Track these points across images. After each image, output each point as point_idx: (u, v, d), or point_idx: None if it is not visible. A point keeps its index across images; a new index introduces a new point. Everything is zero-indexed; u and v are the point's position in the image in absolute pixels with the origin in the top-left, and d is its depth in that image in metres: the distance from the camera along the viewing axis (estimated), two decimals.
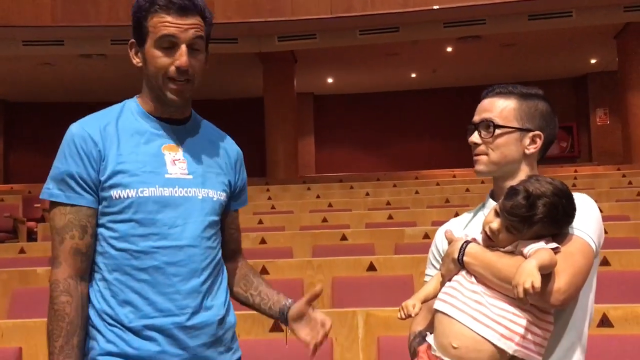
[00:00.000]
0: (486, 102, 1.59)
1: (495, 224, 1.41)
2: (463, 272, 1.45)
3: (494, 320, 1.38)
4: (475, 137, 1.57)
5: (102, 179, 1.48)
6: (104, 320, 1.47)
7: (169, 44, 1.48)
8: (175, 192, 1.51)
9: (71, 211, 1.48)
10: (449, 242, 1.51)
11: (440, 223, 1.73)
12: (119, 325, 1.46)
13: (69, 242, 1.47)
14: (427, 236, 4.85)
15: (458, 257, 1.44)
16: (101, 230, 1.50)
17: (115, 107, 1.58)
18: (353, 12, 9.67)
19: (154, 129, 1.54)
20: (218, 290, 1.57)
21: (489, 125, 1.55)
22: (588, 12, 10.03)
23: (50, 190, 1.49)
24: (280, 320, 1.62)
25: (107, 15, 9.65)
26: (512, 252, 1.40)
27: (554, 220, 1.38)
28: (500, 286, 1.38)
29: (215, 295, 1.55)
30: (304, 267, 4.02)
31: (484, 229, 1.44)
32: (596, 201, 1.55)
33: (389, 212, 6.47)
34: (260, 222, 6.47)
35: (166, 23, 1.47)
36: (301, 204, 7.74)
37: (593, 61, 13.89)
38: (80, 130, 1.50)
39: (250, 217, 6.60)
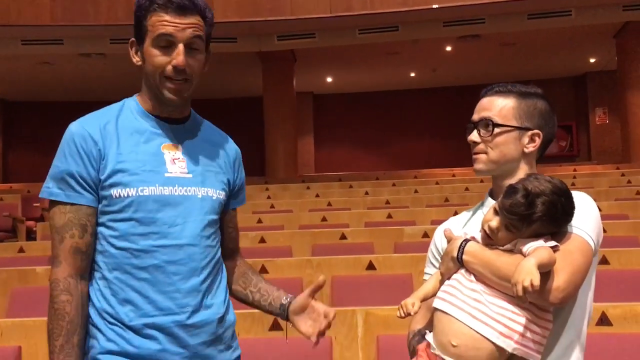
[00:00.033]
0: (485, 101, 1.59)
1: (495, 222, 1.41)
2: (462, 271, 1.45)
3: (493, 318, 1.38)
4: (474, 136, 1.57)
5: (102, 177, 1.48)
6: (104, 319, 1.47)
7: (167, 43, 1.48)
8: (175, 191, 1.51)
9: (71, 210, 1.48)
10: (448, 241, 1.51)
11: (440, 222, 1.73)
12: (119, 324, 1.46)
13: (69, 241, 1.47)
14: (427, 235, 4.86)
15: (457, 255, 1.44)
16: (101, 229, 1.50)
17: (115, 106, 1.58)
18: (352, 12, 9.67)
19: (153, 128, 1.55)
20: (217, 289, 1.57)
21: (488, 124, 1.55)
22: (587, 11, 10.04)
23: (50, 189, 1.49)
24: (281, 316, 1.62)
25: (106, 15, 9.65)
26: (511, 251, 1.40)
27: (553, 218, 1.38)
28: (500, 284, 1.38)
29: (215, 293, 1.55)
30: (304, 266, 4.03)
31: (483, 227, 1.44)
32: (595, 200, 1.55)
33: (388, 211, 6.47)
34: (260, 221, 6.47)
35: (164, 22, 1.47)
36: (300, 203, 7.74)
37: (592, 60, 13.90)
38: (80, 129, 1.50)
39: (250, 216, 6.60)
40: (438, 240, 1.66)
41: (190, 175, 1.54)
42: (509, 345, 1.37)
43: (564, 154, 14.95)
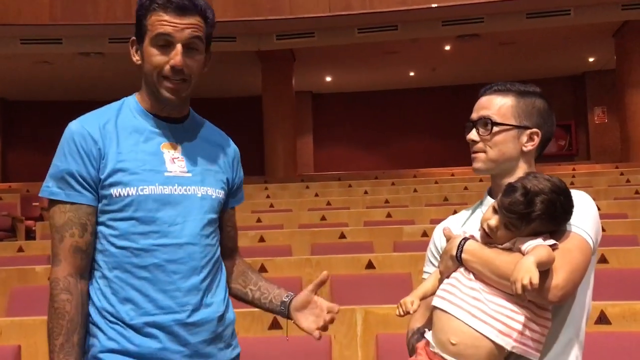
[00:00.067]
0: (484, 100, 1.60)
1: (494, 221, 1.41)
2: (461, 269, 1.46)
3: (492, 316, 1.38)
4: (473, 135, 1.58)
5: (102, 177, 1.48)
6: (104, 317, 1.48)
7: (165, 43, 1.48)
8: (175, 190, 1.51)
9: (71, 209, 1.48)
10: (447, 240, 1.51)
11: (439, 221, 1.74)
12: (120, 323, 1.46)
13: (69, 240, 1.47)
14: (426, 234, 4.86)
15: (456, 254, 1.45)
16: (101, 228, 1.50)
17: (115, 105, 1.58)
18: (351, 11, 9.68)
19: (152, 127, 1.55)
20: (217, 288, 1.57)
21: (486, 122, 1.56)
22: (586, 11, 10.05)
23: (49, 188, 1.50)
24: (281, 314, 1.62)
25: (105, 14, 9.65)
26: (510, 249, 1.41)
27: (552, 217, 1.39)
28: (499, 283, 1.39)
29: (214, 292, 1.56)
30: (303, 265, 4.03)
31: (482, 226, 1.44)
32: (594, 199, 1.55)
33: (388, 211, 6.48)
34: (259, 220, 6.48)
35: (163, 22, 1.47)
36: (300, 202, 7.75)
37: (591, 59, 13.90)
38: (80, 128, 1.50)
39: (249, 215, 6.61)
40: (437, 239, 1.66)
41: (189, 175, 1.54)
42: (508, 344, 1.37)
43: (562, 153, 14.96)
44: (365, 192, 8.39)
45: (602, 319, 2.61)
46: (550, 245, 1.36)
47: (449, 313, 1.42)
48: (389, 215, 6.36)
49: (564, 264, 1.35)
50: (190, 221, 1.51)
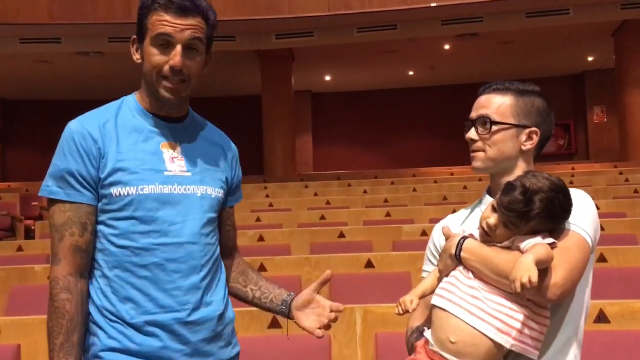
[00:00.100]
0: (483, 99, 1.60)
1: (492, 219, 1.41)
2: (460, 268, 1.46)
3: (491, 315, 1.39)
4: (472, 134, 1.58)
5: (102, 176, 1.48)
6: (105, 316, 1.48)
7: (165, 43, 1.48)
8: (175, 190, 1.51)
9: (70, 208, 1.48)
10: (446, 238, 1.52)
11: (438, 220, 1.74)
12: (120, 322, 1.47)
13: (69, 239, 1.47)
14: (425, 233, 4.87)
15: (455, 252, 1.45)
16: (101, 227, 1.50)
17: (114, 104, 1.58)
18: (351, 10, 9.68)
19: (152, 127, 1.55)
20: (217, 286, 1.58)
21: (485, 121, 1.56)
22: (585, 10, 10.05)
23: (49, 187, 1.50)
24: (282, 313, 1.63)
25: (104, 13, 9.65)
26: (509, 248, 1.41)
27: (551, 215, 1.39)
28: (497, 281, 1.39)
29: (214, 291, 1.56)
30: (302, 264, 4.03)
31: (481, 224, 1.45)
32: (593, 198, 1.56)
33: (387, 210, 6.49)
34: (258, 219, 6.48)
35: (164, 22, 1.47)
36: (299, 201, 7.75)
37: (590, 59, 13.91)
38: (80, 127, 1.50)
39: (248, 214, 6.61)
40: (436, 238, 1.67)
41: (189, 174, 1.55)
42: (507, 342, 1.38)
43: (562, 152, 14.97)
44: (365, 192, 8.39)
45: (601, 317, 2.62)
46: (549, 244, 1.37)
47: (448, 311, 1.42)
48: (388, 215, 6.36)
49: (563, 263, 1.36)
50: (189, 220, 1.52)
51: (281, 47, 11.04)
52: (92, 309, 1.49)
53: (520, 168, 1.56)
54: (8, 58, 11.32)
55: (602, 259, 3.75)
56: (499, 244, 1.42)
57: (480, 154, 1.57)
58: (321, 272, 3.90)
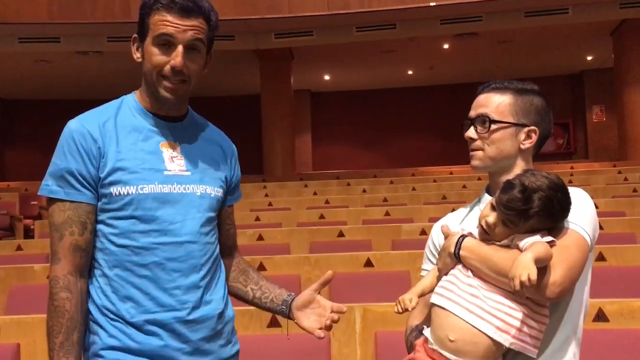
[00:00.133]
0: (482, 98, 1.60)
1: (492, 217, 1.42)
2: (459, 266, 1.46)
3: (490, 313, 1.39)
4: (471, 132, 1.58)
5: (102, 175, 1.48)
6: (105, 315, 1.48)
7: (167, 43, 1.48)
8: (174, 189, 1.52)
9: (70, 207, 1.48)
10: (446, 237, 1.52)
11: (437, 219, 1.74)
12: (120, 320, 1.47)
13: (69, 238, 1.48)
14: (424, 232, 4.87)
15: (454, 251, 1.45)
16: (101, 226, 1.50)
17: (114, 103, 1.59)
18: (350, 9, 9.68)
19: (151, 126, 1.55)
20: (216, 285, 1.58)
21: (484, 120, 1.56)
22: (584, 9, 10.06)
23: (49, 186, 1.50)
24: (282, 313, 1.63)
25: (103, 13, 9.64)
26: (508, 246, 1.41)
27: (550, 213, 1.39)
28: (497, 279, 1.39)
29: (214, 289, 1.57)
30: (301, 263, 4.04)
31: (480, 223, 1.45)
32: (592, 197, 1.56)
33: (386, 209, 6.49)
34: (258, 218, 6.48)
35: (166, 22, 1.47)
36: (298, 200, 7.76)
37: (589, 58, 13.92)
38: (80, 126, 1.50)
39: (248, 213, 6.61)
40: (435, 236, 1.67)
41: (188, 173, 1.55)
42: (506, 340, 1.38)
43: (561, 151, 14.99)
44: (364, 191, 8.39)
45: (600, 316, 2.62)
46: (548, 242, 1.37)
47: (447, 310, 1.43)
48: (387, 214, 6.37)
49: (562, 261, 1.36)
50: (189, 219, 1.52)
51: (280, 47, 11.05)
52: (92, 308, 1.49)
53: (519, 167, 1.57)
54: (7, 57, 11.32)
55: (601, 258, 3.76)
56: (498, 243, 1.43)
57: (479, 153, 1.57)
58: (321, 271, 3.93)
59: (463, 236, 1.47)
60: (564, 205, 1.41)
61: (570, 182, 7.50)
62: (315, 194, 8.43)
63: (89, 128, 1.50)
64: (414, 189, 8.32)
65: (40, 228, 6.49)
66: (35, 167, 12.94)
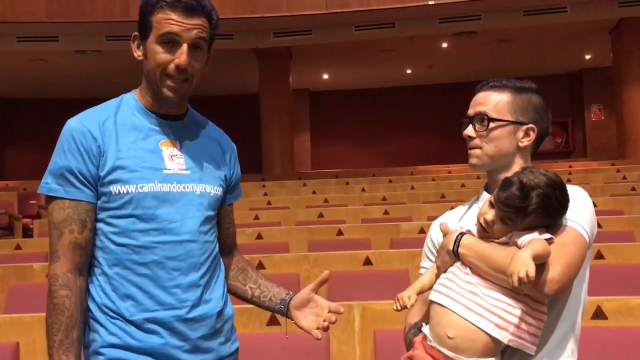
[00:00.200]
0: (480, 96, 1.60)
1: (490, 215, 1.42)
2: (458, 264, 1.47)
3: (489, 310, 1.40)
4: (469, 131, 1.59)
5: (102, 174, 1.48)
6: (105, 313, 1.48)
7: (171, 41, 1.48)
8: (174, 188, 1.52)
9: (70, 205, 1.48)
10: (444, 234, 1.52)
11: (436, 218, 1.74)
12: (120, 319, 1.47)
13: (68, 236, 1.48)
14: (423, 231, 4.88)
15: (453, 248, 1.46)
16: (100, 225, 1.51)
17: (113, 102, 1.59)
18: (348, 8, 9.68)
19: (151, 125, 1.55)
20: (216, 284, 1.58)
21: (483, 118, 1.56)
22: (583, 8, 10.07)
23: (49, 185, 1.50)
24: (280, 312, 1.63)
25: (102, 12, 9.64)
26: (506, 243, 1.42)
27: (548, 211, 1.40)
28: (495, 277, 1.40)
29: (213, 288, 1.57)
30: (300, 261, 4.04)
31: (478, 220, 1.45)
32: (591, 196, 1.56)
33: (385, 208, 6.50)
34: (257, 217, 6.48)
35: (170, 20, 1.47)
36: (297, 199, 7.76)
37: (588, 57, 13.93)
38: (80, 125, 1.50)
39: (247, 212, 6.61)
40: (434, 234, 1.67)
41: (188, 172, 1.55)
42: (505, 337, 1.39)
43: (559, 150, 15.00)
44: (363, 190, 8.40)
45: (599, 314, 2.63)
46: (546, 239, 1.37)
47: (446, 307, 1.43)
48: (386, 213, 6.37)
49: (560, 258, 1.36)
50: (189, 218, 1.52)
51: (279, 46, 11.04)
52: (92, 306, 1.50)
53: (517, 165, 1.57)
54: (6, 56, 11.30)
55: (599, 256, 3.76)
56: (496, 240, 1.43)
57: (478, 151, 1.58)
58: (319, 269, 3.93)
59: (462, 234, 1.47)
60: (562, 202, 1.42)
61: (568, 180, 7.49)
62: (314, 192, 8.43)
63: (89, 126, 1.50)
64: (412, 187, 8.33)
65: (39, 227, 6.49)
66: (34, 166, 12.94)
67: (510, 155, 1.57)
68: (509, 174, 1.51)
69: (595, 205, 1.54)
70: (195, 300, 1.50)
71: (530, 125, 1.57)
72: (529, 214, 1.39)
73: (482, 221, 1.44)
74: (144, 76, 1.56)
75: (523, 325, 1.39)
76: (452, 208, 1.77)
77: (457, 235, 1.47)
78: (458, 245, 1.45)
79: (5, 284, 3.98)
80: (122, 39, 9.58)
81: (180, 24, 1.47)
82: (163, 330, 1.47)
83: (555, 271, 1.35)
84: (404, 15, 9.99)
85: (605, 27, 11.42)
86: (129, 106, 1.57)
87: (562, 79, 15.10)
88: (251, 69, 12.21)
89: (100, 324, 1.48)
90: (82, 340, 1.49)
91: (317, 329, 1.56)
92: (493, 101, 1.58)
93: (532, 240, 1.35)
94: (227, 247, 1.71)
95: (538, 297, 1.40)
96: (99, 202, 1.50)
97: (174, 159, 1.54)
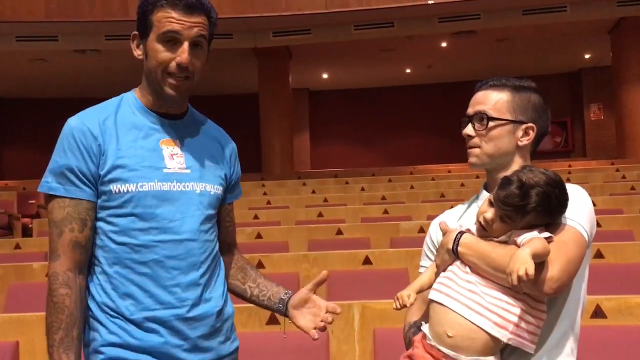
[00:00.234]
0: (480, 95, 1.61)
1: (489, 213, 1.42)
2: (457, 262, 1.47)
3: (488, 309, 1.40)
4: (469, 130, 1.59)
5: (102, 173, 1.48)
6: (105, 312, 1.48)
7: (172, 40, 1.49)
8: (174, 187, 1.52)
9: (70, 204, 1.48)
10: (444, 233, 1.52)
11: (435, 217, 1.75)
12: (120, 317, 1.47)
13: (68, 235, 1.48)
14: (422, 230, 4.88)
15: (452, 247, 1.46)
16: (100, 224, 1.51)
17: (114, 101, 1.59)
18: (348, 7, 9.68)
19: (151, 124, 1.55)
20: (216, 283, 1.59)
21: (482, 117, 1.57)
22: (582, 7, 10.06)
23: (49, 183, 1.50)
24: (279, 311, 1.64)
25: (101, 11, 9.63)
26: (505, 242, 1.42)
27: (547, 209, 1.40)
28: (494, 275, 1.40)
29: (213, 287, 1.57)
30: (300, 261, 4.04)
31: (478, 219, 1.46)
32: (590, 195, 1.56)
33: (384, 207, 6.50)
34: (256, 217, 6.49)
35: (171, 19, 1.48)
36: (297, 199, 7.76)
37: (587, 56, 13.93)
38: (80, 124, 1.50)
39: (246, 212, 6.62)
40: (433, 233, 1.68)
41: (188, 171, 1.55)
42: (504, 336, 1.39)
43: (559, 149, 15.01)
44: (362, 189, 8.40)
45: (598, 312, 2.63)
46: (546, 238, 1.37)
47: (445, 306, 1.43)
48: (385, 212, 6.38)
49: (559, 256, 1.36)
50: (189, 217, 1.52)
51: (278, 45, 11.03)
52: (92, 305, 1.50)
53: (516, 164, 1.57)
54: (5, 56, 11.29)
55: (599, 255, 3.77)
56: (496, 239, 1.43)
57: (477, 150, 1.58)
58: (319, 269, 3.93)
59: (461, 232, 1.47)
60: (562, 201, 1.42)
61: (568, 179, 7.47)
62: (313, 192, 8.43)
63: (89, 125, 1.50)
64: (412, 187, 8.33)
65: (39, 227, 6.49)
66: (33, 166, 12.95)
67: (510, 154, 1.57)
68: (508, 172, 1.51)
69: (594, 205, 1.54)
70: (195, 299, 1.51)
71: (530, 124, 1.57)
72: (528, 212, 1.39)
73: (481, 220, 1.44)
74: (145, 75, 1.56)
75: (522, 324, 1.39)
76: (451, 207, 1.77)
77: (457, 234, 1.47)
78: (457, 244, 1.45)
79: (4, 283, 3.98)
80: (121, 39, 9.58)
81: (181, 22, 1.47)
82: (163, 329, 1.47)
83: (554, 270, 1.35)
84: (403, 15, 9.99)
85: (605, 26, 11.42)
86: (129, 105, 1.57)
87: (562, 78, 15.11)
88: (250, 68, 12.21)
89: (100, 323, 1.48)
90: (82, 338, 1.49)
91: (315, 328, 1.56)
92: (492, 100, 1.58)
93: (532, 239, 1.36)
94: (227, 246, 1.71)
95: (537, 296, 1.40)
96: (99, 200, 1.50)
97: (174, 157, 1.54)
